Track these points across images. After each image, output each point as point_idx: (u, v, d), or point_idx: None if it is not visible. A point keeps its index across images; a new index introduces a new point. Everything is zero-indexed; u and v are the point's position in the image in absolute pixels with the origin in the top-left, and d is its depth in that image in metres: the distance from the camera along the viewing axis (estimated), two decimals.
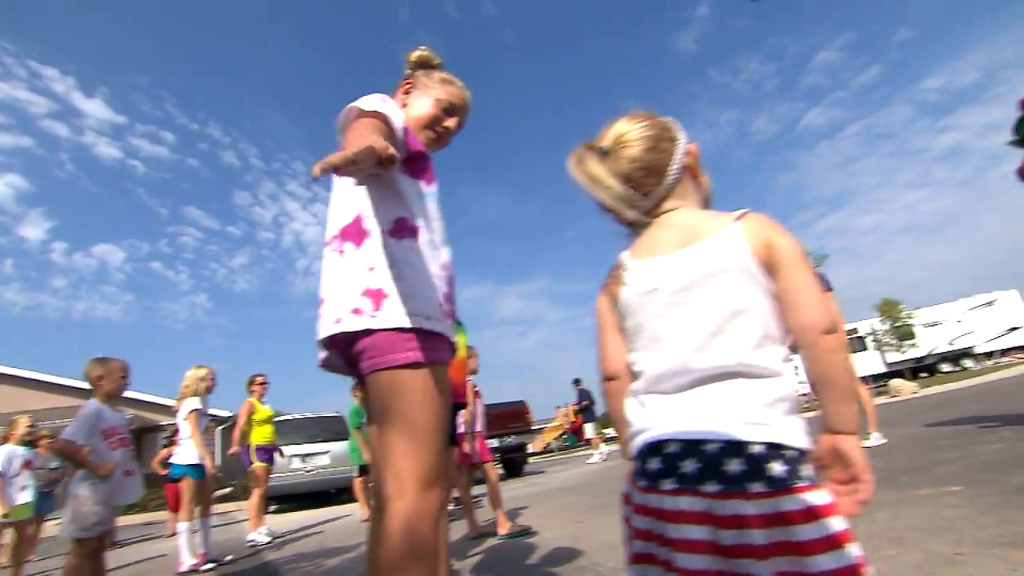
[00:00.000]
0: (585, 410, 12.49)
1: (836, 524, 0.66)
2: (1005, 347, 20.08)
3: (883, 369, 20.44)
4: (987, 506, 2.02)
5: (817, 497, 0.68)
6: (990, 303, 20.39)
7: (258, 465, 5.53)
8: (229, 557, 4.42)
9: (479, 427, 4.26)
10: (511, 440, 10.92)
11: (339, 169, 0.83)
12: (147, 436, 15.95)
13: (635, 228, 0.93)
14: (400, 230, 1.18)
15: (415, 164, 1.30)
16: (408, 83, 1.48)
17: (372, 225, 1.16)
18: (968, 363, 20.73)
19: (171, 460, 4.69)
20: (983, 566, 1.47)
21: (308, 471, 9.90)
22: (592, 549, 2.73)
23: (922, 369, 21.05)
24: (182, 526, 4.12)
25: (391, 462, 1.05)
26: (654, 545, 0.75)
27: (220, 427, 16.17)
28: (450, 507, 6.47)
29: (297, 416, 11.90)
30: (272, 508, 11.20)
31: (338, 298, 1.13)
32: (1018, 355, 19.46)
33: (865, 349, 21.10)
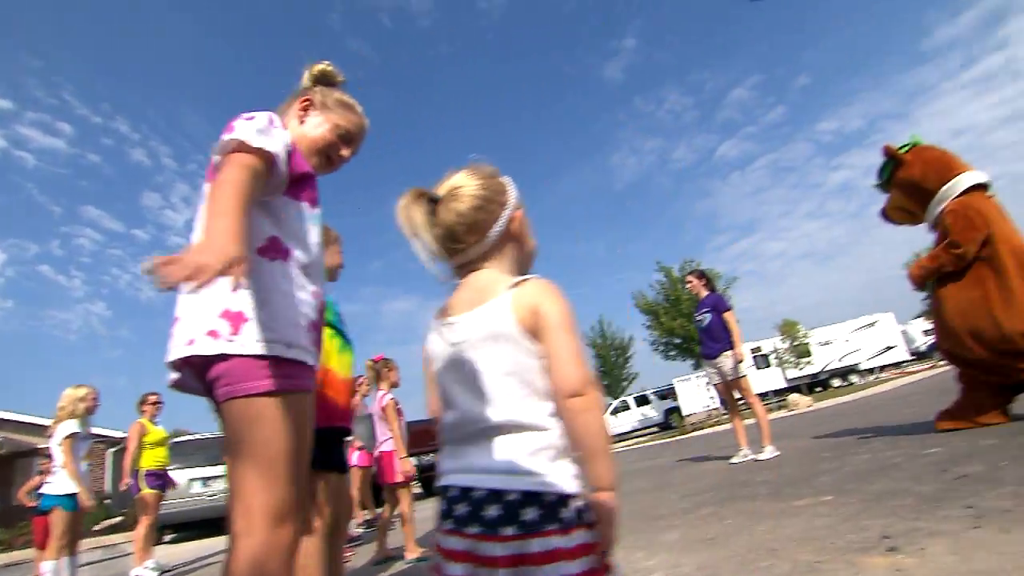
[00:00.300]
0: None
1: (575, 567, 0.75)
2: (883, 364, 22.39)
3: (784, 384, 22.02)
4: (849, 514, 2.21)
5: (564, 540, 0.76)
6: (872, 324, 22.68)
7: (147, 492, 5.09)
8: None
9: (390, 446, 4.15)
10: (430, 458, 10.70)
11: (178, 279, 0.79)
12: (20, 461, 14.25)
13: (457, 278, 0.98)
14: (272, 250, 1.14)
15: (298, 186, 1.26)
16: (307, 100, 1.44)
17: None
18: (854, 378, 22.84)
19: (41, 490, 4.22)
20: (835, 573, 1.60)
21: (210, 496, 9.23)
22: None
23: (817, 384, 22.91)
24: (46, 567, 3.69)
25: (241, 496, 1.01)
26: None
27: (112, 449, 14.76)
28: (360, 531, 6.24)
29: (199, 436, 11.05)
30: (168, 538, 10.31)
31: (194, 318, 1.07)
32: (893, 371, 21.69)
33: (769, 366, 22.68)
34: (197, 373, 1.09)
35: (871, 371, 22.79)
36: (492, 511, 0.78)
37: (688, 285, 5.94)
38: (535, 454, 0.81)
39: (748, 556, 1.97)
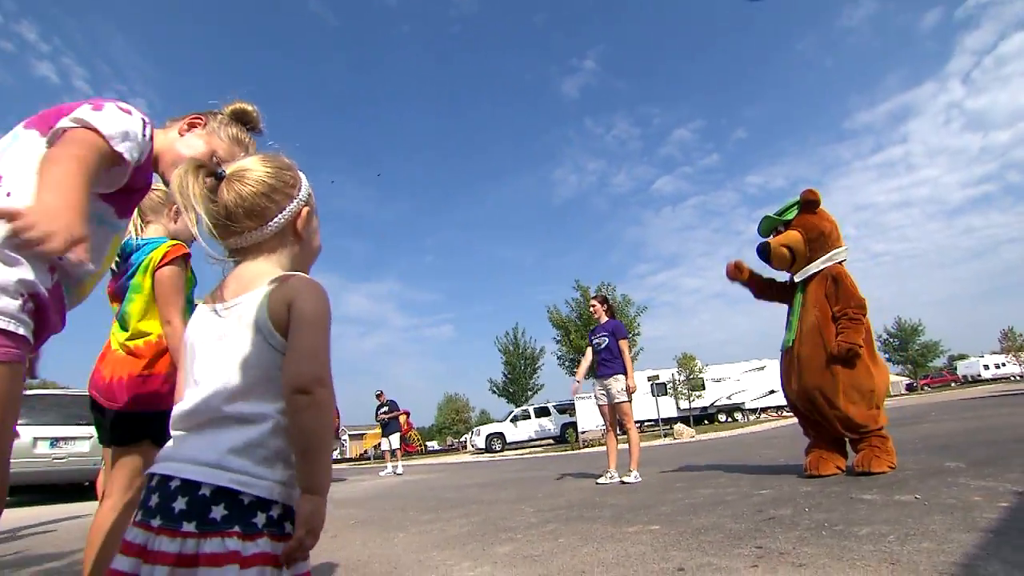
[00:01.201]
0: (385, 424, 12.29)
1: (245, 574, 0.72)
2: (766, 405, 24.24)
3: (676, 414, 23.25)
4: (664, 544, 2.35)
5: (242, 545, 0.73)
6: (761, 368, 24.48)
7: None
8: None
9: None
10: None
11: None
12: None
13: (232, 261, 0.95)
14: None
15: (120, 195, 1.19)
16: (200, 119, 1.37)
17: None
18: (738, 416, 24.55)
19: None
20: None
21: (59, 458, 8.40)
22: (321, 569, 2.65)
23: (705, 417, 24.42)
24: None
25: None
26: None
27: None
28: None
29: (56, 392, 10.06)
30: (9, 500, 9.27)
31: None
32: (772, 413, 23.53)
33: (665, 394, 23.88)
34: None
35: (754, 411, 24.60)
36: (179, 504, 0.74)
37: (592, 309, 6.13)
38: (247, 450, 0.78)
39: (560, 574, 2.04)
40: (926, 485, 3.03)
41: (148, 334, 1.75)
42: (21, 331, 1.05)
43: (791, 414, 4.51)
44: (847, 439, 3.95)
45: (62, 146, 0.96)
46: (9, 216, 0.81)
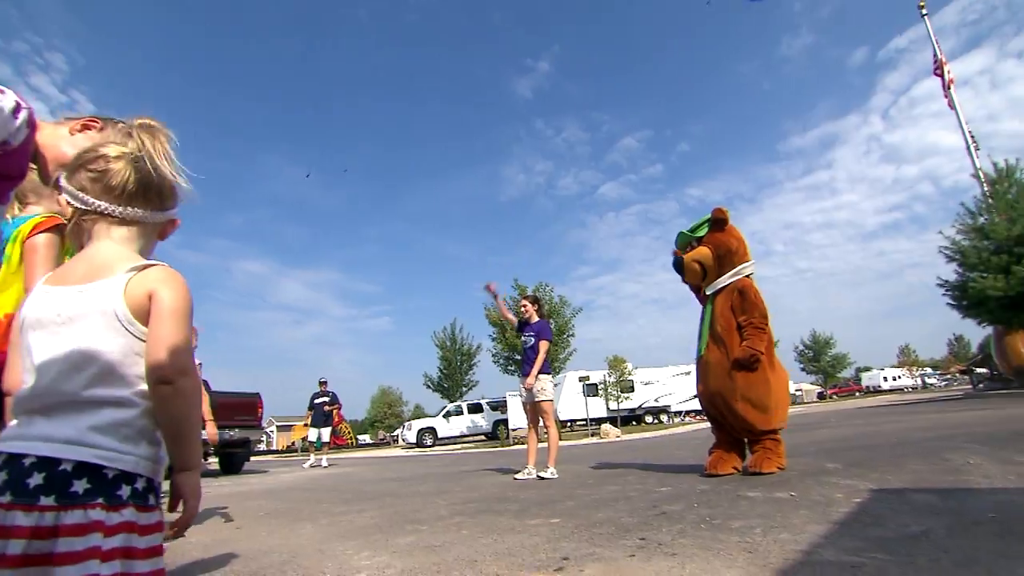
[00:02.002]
0: (324, 415, 11.93)
1: (110, 542, 0.76)
2: (690, 409, 25.42)
3: (605, 414, 23.97)
4: (558, 536, 2.48)
5: (107, 516, 0.77)
6: (688, 372, 25.64)
7: None
8: None
9: None
10: (233, 434, 9.95)
11: None
12: None
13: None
14: None
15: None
16: (96, 122, 1.33)
17: None
18: (664, 418, 25.61)
19: None
20: None
21: None
22: (220, 558, 2.61)
23: (633, 418, 25.31)
24: None
25: None
26: None
27: None
28: None
29: None
30: None
31: None
32: (695, 416, 24.71)
33: (597, 395, 24.55)
34: None
35: (679, 413, 25.74)
36: (35, 479, 0.75)
37: (523, 308, 6.23)
38: (110, 429, 0.81)
39: (450, 565, 2.11)
40: (803, 484, 3.32)
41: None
42: None
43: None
44: (746, 441, 4.26)
45: None
46: None
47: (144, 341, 0.86)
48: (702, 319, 4.59)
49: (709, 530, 2.33)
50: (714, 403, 4.23)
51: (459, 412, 24.01)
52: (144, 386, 0.85)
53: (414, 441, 22.68)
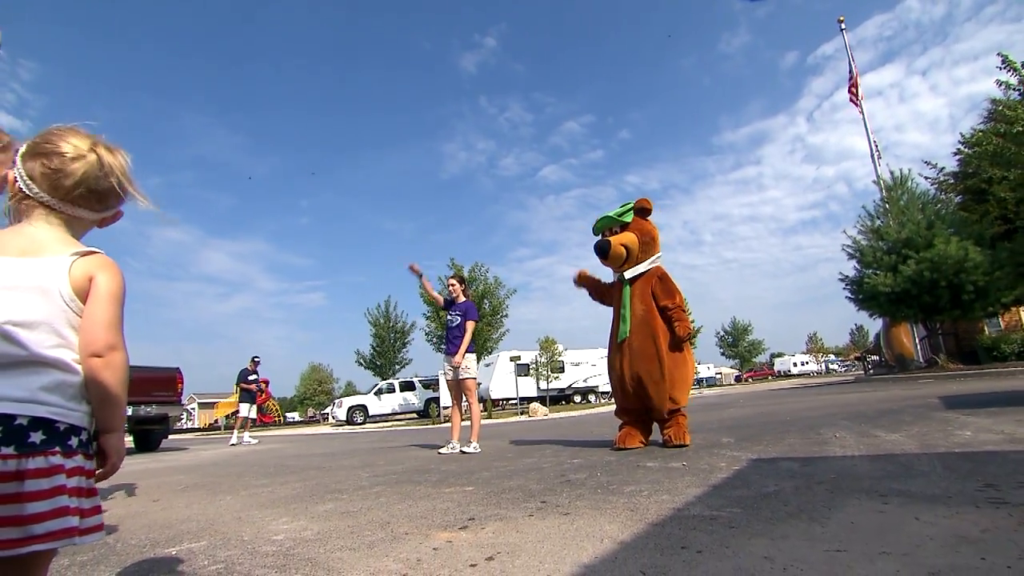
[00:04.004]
0: (242, 391, 11.77)
1: (70, 481, 0.90)
2: None
3: (535, 393, 24.61)
4: (468, 501, 2.68)
5: (64, 460, 0.90)
6: None
7: None
8: None
9: None
10: (149, 410, 9.54)
11: None
12: None
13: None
14: None
15: None
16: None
17: None
18: (592, 398, 26.63)
19: None
20: (411, 541, 1.96)
21: None
22: (136, 527, 2.63)
23: (563, 398, 26.14)
24: None
25: None
26: None
27: None
28: None
29: None
30: None
31: None
32: None
33: (528, 375, 25.12)
34: None
35: (606, 394, 26.83)
36: None
37: (450, 288, 6.35)
38: (55, 389, 0.93)
39: (363, 526, 2.26)
40: (697, 455, 3.70)
41: None
42: None
43: None
44: (654, 418, 4.63)
45: None
46: None
47: (79, 315, 0.97)
48: (620, 303, 4.88)
49: (603, 494, 2.60)
50: (639, 382, 4.51)
51: (391, 390, 23.93)
52: (77, 353, 0.96)
53: (344, 419, 22.44)
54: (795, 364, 59.10)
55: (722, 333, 60.72)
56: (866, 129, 17.38)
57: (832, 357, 65.84)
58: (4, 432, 0.86)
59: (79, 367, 0.96)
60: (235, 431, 12.13)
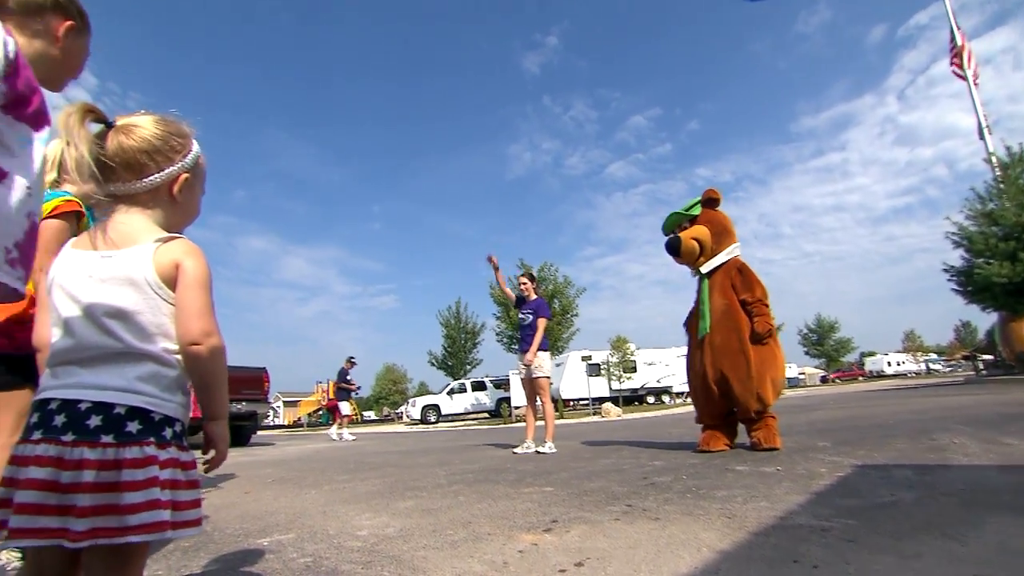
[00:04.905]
0: (339, 389, 12.34)
1: (164, 473, 0.89)
2: None
3: (607, 393, 24.17)
4: (549, 502, 2.60)
5: (159, 451, 0.90)
6: None
7: None
8: None
9: None
10: (240, 407, 10.20)
11: None
12: None
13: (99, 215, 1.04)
14: None
15: (21, 104, 1.23)
16: (71, 24, 1.37)
17: None
18: (666, 398, 25.81)
19: None
20: (494, 542, 1.90)
21: None
22: (230, 517, 2.75)
23: (636, 398, 25.52)
24: None
25: None
26: (8, 489, 0.86)
27: None
28: None
29: None
30: None
31: None
32: None
33: (599, 375, 24.73)
34: None
35: (680, 394, 25.93)
36: (94, 420, 0.87)
37: (521, 286, 6.32)
38: (150, 379, 0.93)
39: (444, 525, 2.24)
40: (791, 459, 3.43)
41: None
42: (3, 279, 1.15)
43: None
44: (740, 420, 4.35)
45: None
46: None
47: (170, 303, 0.96)
48: (700, 299, 4.64)
49: (694, 499, 2.44)
50: (720, 381, 4.27)
51: (463, 389, 24.32)
52: (173, 344, 0.96)
53: (418, 417, 23.05)
54: (889, 364, 54.45)
55: (805, 331, 57.17)
56: (973, 102, 15.65)
57: (934, 356, 60.26)
58: (104, 420, 0.87)
59: (173, 357, 0.96)
60: (334, 427, 12.71)
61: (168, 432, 0.93)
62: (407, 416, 25.39)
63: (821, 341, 55.72)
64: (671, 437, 6.22)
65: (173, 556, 2.03)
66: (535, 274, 23.05)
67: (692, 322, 4.72)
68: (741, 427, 4.41)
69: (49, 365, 0.94)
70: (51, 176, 1.98)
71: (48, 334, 0.97)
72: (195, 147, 1.08)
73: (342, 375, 12.12)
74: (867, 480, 2.55)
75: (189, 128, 1.08)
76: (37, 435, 0.87)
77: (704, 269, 4.52)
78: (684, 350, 5.10)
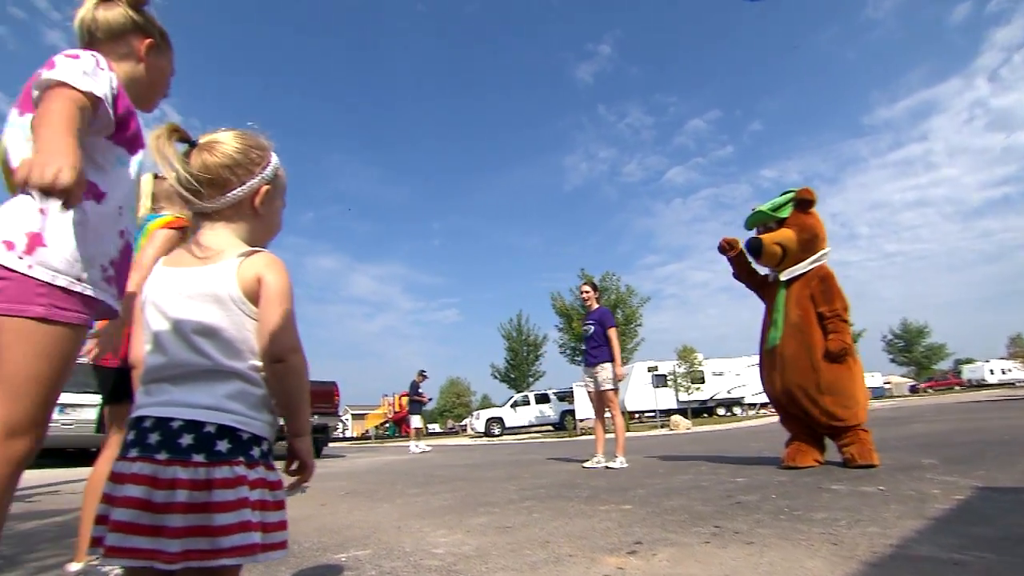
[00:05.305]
0: (412, 402, 12.56)
1: (253, 494, 0.86)
2: (764, 401, 24.28)
3: (675, 405, 23.36)
4: (630, 521, 2.46)
5: (248, 471, 0.87)
6: None
7: None
8: None
9: None
10: (312, 420, 10.57)
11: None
12: None
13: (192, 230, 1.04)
14: (88, 192, 1.23)
15: (120, 129, 1.29)
16: (151, 41, 1.45)
17: None
18: (737, 410, 24.65)
19: None
20: (576, 565, 1.81)
21: (66, 424, 8.66)
22: (309, 530, 2.79)
23: (704, 410, 24.51)
24: None
25: None
26: (106, 506, 0.85)
27: None
28: None
29: None
30: None
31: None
32: (769, 409, 23.62)
33: (665, 386, 23.97)
34: None
35: (752, 406, 24.68)
36: (186, 439, 0.86)
37: (583, 295, 6.21)
38: (237, 397, 0.92)
39: (522, 544, 2.15)
40: (893, 478, 3.12)
41: None
42: (101, 297, 1.21)
43: None
44: (828, 434, 4.03)
45: (40, 112, 1.05)
46: (21, 178, 0.91)
47: (253, 319, 0.95)
48: (773, 307, 4.36)
49: (789, 520, 2.24)
50: (793, 397, 4.01)
51: (526, 402, 24.20)
52: (258, 360, 0.95)
53: (482, 430, 23.11)
54: (991, 371, 49.31)
55: (890, 337, 53.23)
56: None
57: None
58: (195, 439, 0.86)
59: (259, 375, 0.94)
60: (412, 441, 12.90)
61: (256, 451, 0.91)
62: (471, 428, 25.52)
63: (909, 348, 51.71)
64: (750, 451, 5.87)
65: (256, 569, 2.06)
66: (597, 283, 22.76)
67: (764, 331, 4.44)
68: (830, 442, 4.08)
69: (143, 382, 0.95)
70: (147, 203, 2.11)
71: (142, 351, 0.98)
72: (274, 159, 1.08)
73: (414, 388, 12.32)
74: (995, 505, 2.26)
75: (267, 141, 1.08)
76: (134, 452, 0.87)
77: (784, 277, 4.25)
78: (755, 359, 4.80)
